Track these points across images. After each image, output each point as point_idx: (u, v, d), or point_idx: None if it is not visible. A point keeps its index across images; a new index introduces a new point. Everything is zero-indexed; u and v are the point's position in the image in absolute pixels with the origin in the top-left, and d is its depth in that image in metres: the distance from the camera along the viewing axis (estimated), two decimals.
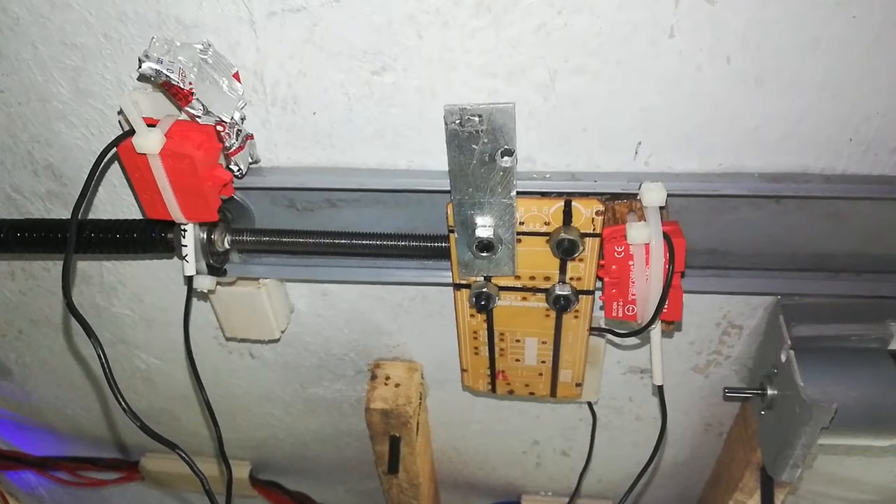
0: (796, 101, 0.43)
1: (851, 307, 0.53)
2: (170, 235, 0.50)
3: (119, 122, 0.46)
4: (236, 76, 0.44)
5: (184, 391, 0.72)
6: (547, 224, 0.45)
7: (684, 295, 0.46)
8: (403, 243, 0.49)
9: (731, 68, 0.41)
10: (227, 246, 0.50)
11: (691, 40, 0.40)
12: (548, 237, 0.46)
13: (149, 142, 0.41)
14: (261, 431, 0.77)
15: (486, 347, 0.54)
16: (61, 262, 0.61)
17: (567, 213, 0.45)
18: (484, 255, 0.46)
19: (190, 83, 0.41)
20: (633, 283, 0.45)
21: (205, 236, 0.49)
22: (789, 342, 0.51)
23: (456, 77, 0.44)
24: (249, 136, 0.47)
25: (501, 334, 0.53)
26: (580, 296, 0.49)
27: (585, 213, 0.45)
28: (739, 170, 0.46)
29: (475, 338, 0.53)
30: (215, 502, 0.43)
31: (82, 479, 0.86)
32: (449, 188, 0.47)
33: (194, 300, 0.60)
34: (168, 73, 0.40)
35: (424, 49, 0.43)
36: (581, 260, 0.47)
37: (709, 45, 0.41)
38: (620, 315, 0.47)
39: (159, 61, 0.40)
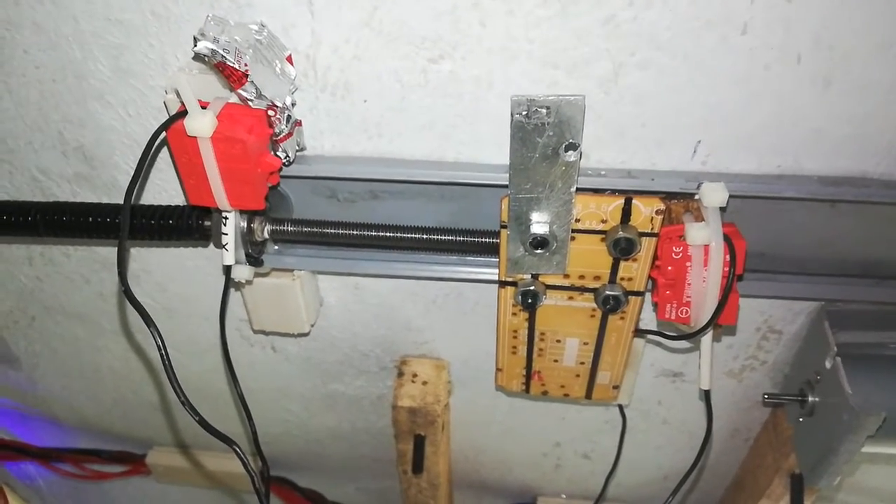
0: (863, 103, 0.42)
1: (894, 315, 0.52)
2: (207, 223, 0.48)
3: (164, 103, 0.44)
4: (289, 59, 0.43)
5: (199, 384, 0.71)
6: (604, 222, 0.44)
7: None
8: (450, 238, 0.48)
9: (800, 68, 0.41)
10: (266, 235, 0.49)
11: (763, 37, 0.40)
12: (603, 235, 0.45)
13: (202, 124, 0.39)
14: (275, 427, 0.76)
15: (525, 347, 0.53)
16: (83, 248, 0.60)
17: (626, 212, 0.44)
18: (538, 251, 0.45)
19: (245, 65, 0.39)
20: (690, 285, 0.44)
21: (245, 225, 0.47)
22: (835, 349, 0.50)
23: (516, 67, 0.42)
24: (298, 123, 0.45)
25: (542, 334, 0.52)
26: (629, 297, 0.48)
27: (645, 212, 0.44)
28: (798, 172, 0.45)
29: (514, 337, 0.52)
30: (262, 500, 0.41)
31: (87, 471, 0.83)
32: (497, 182, 0.46)
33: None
34: (224, 54, 0.38)
35: (486, 37, 0.41)
36: (635, 260, 0.46)
37: (780, 43, 0.40)
38: (673, 317, 0.46)
39: (215, 40, 0.38)
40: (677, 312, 0.46)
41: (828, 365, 0.51)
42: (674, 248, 0.44)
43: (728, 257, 0.43)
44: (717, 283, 0.43)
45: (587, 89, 0.43)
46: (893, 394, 0.50)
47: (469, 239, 0.49)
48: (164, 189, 0.53)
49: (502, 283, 0.49)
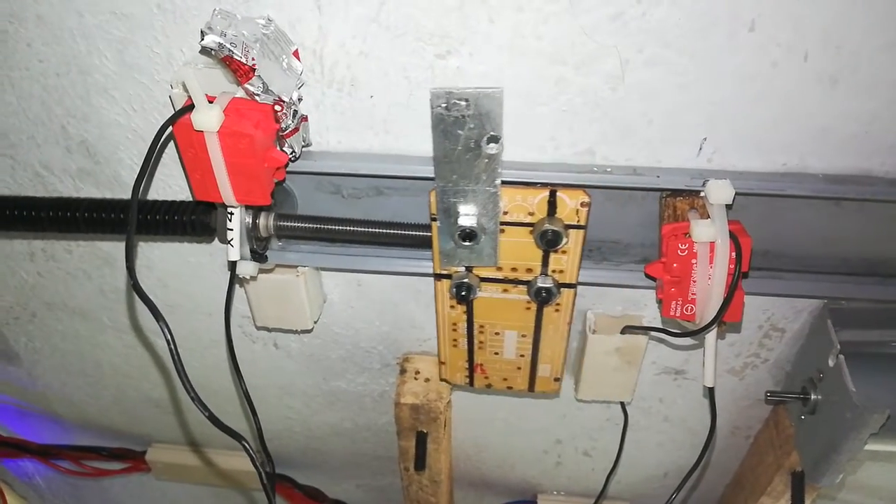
0: (869, 102, 0.42)
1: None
2: (212, 218, 0.48)
3: (170, 97, 0.44)
4: (296, 54, 0.43)
5: (201, 380, 0.70)
6: (531, 214, 0.45)
7: None
8: (385, 231, 0.49)
9: (807, 66, 0.41)
10: (270, 231, 0.49)
11: (771, 35, 0.40)
12: (531, 228, 0.45)
13: (209, 119, 0.39)
14: (276, 424, 0.76)
15: (465, 340, 0.53)
16: (84, 244, 0.60)
17: (552, 204, 0.44)
18: (466, 244, 0.45)
19: (252, 59, 0.39)
20: (695, 282, 0.45)
21: (250, 221, 0.47)
22: (838, 347, 0.50)
23: (523, 63, 0.42)
24: (304, 118, 0.45)
25: (481, 327, 0.52)
26: (562, 289, 0.48)
27: (570, 204, 0.44)
28: (803, 170, 0.45)
29: (454, 329, 0.53)
30: (271, 497, 0.41)
31: (86, 468, 0.83)
32: (503, 178, 0.46)
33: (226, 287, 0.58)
34: (231, 48, 0.38)
35: (494, 33, 0.41)
36: (564, 252, 0.46)
37: (788, 40, 0.40)
38: (678, 315, 0.46)
39: (223, 34, 0.38)
40: (682, 310, 0.46)
41: (831, 363, 0.51)
42: (679, 245, 0.44)
43: (734, 254, 0.43)
44: (723, 281, 0.44)
45: (594, 86, 0.43)
46: (894, 391, 0.50)
47: (405, 232, 0.49)
48: (167, 185, 0.53)
49: (438, 276, 0.49)
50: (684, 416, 0.66)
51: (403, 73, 0.44)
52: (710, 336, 0.47)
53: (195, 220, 0.48)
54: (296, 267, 0.53)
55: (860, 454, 0.50)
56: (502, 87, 0.38)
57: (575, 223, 0.45)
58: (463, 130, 0.39)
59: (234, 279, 0.48)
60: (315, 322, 0.58)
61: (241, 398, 0.72)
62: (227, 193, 0.43)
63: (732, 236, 0.43)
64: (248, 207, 0.47)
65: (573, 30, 0.41)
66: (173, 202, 0.49)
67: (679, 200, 0.46)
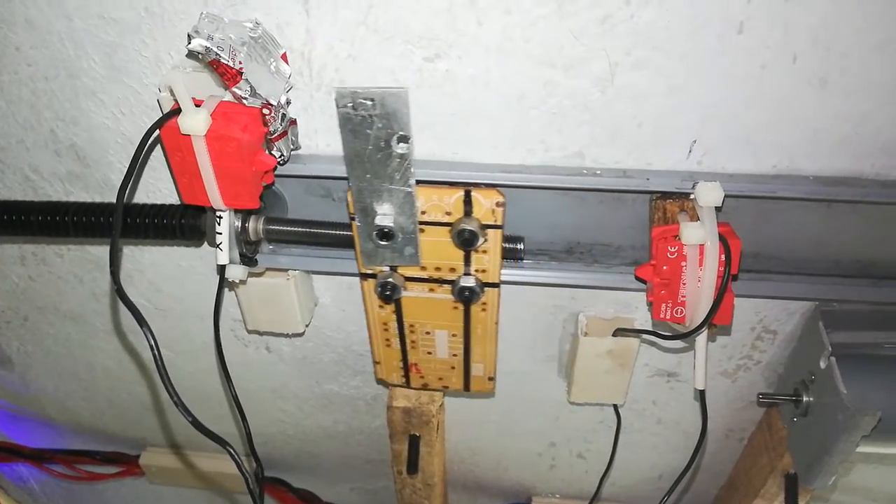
0: (859, 103, 0.42)
1: (889, 315, 0.52)
2: (201, 222, 0.48)
3: (158, 101, 0.44)
4: (284, 57, 0.43)
5: (193, 384, 0.70)
6: (448, 214, 0.45)
7: None
8: (305, 230, 0.49)
9: (796, 67, 0.41)
10: (260, 235, 0.49)
11: (760, 37, 0.39)
12: (450, 227, 0.45)
13: (196, 122, 0.39)
14: (270, 427, 0.75)
15: (398, 339, 0.53)
16: (75, 248, 0.60)
17: (467, 203, 0.44)
18: (384, 243, 0.45)
19: (240, 63, 0.39)
20: (685, 284, 0.44)
21: (239, 224, 0.47)
22: (830, 349, 0.50)
23: (512, 66, 0.42)
24: (293, 122, 0.45)
25: (411, 326, 0.52)
26: (486, 288, 0.48)
27: (486, 204, 0.44)
28: (793, 172, 0.45)
29: (386, 329, 0.53)
30: (256, 501, 0.41)
31: (80, 472, 0.83)
32: (493, 181, 0.46)
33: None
34: (218, 51, 0.38)
35: (483, 36, 0.41)
36: (484, 251, 0.46)
37: (777, 42, 0.40)
38: (668, 317, 0.46)
39: (209, 38, 0.38)
40: (672, 312, 0.46)
41: (822, 365, 0.51)
42: (669, 247, 0.44)
43: (723, 257, 0.43)
44: (713, 283, 0.44)
45: (583, 88, 0.43)
46: (888, 393, 0.50)
47: (327, 231, 0.49)
48: (157, 188, 0.53)
49: (364, 276, 0.49)
50: (678, 418, 0.66)
51: (392, 76, 0.44)
52: (701, 339, 0.47)
53: (184, 224, 0.48)
54: (286, 270, 0.53)
55: (852, 456, 0.50)
56: (407, 87, 0.38)
57: (492, 223, 0.45)
58: (371, 130, 0.39)
59: (224, 283, 0.48)
60: (307, 325, 0.58)
61: (231, 402, 0.71)
62: (214, 197, 0.43)
63: (722, 238, 0.43)
64: (237, 211, 0.47)
65: (561, 32, 0.40)
66: (162, 206, 0.49)
67: (669, 203, 0.46)
